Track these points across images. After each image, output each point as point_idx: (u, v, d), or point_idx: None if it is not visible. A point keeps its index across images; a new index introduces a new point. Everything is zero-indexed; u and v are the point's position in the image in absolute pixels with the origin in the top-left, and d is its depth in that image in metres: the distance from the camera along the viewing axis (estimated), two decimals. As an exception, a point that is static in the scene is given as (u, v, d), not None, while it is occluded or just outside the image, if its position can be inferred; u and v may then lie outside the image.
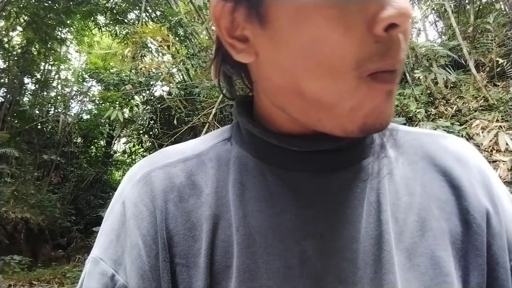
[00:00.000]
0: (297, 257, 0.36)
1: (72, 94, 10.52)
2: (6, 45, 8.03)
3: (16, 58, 8.27)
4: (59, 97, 10.56)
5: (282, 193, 0.39)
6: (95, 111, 10.59)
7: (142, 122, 7.67)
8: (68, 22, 8.30)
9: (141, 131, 7.62)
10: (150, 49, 6.12)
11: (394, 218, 0.39)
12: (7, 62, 8.32)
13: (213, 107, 4.19)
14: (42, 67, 9.53)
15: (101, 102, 10.06)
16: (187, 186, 0.40)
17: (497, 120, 3.61)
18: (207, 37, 6.35)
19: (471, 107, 3.98)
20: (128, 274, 0.38)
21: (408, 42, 0.33)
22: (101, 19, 8.11)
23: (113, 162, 10.48)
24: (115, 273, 0.38)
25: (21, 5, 7.44)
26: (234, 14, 0.36)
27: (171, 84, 5.80)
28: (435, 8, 5.65)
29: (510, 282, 0.38)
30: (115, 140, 10.96)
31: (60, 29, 8.55)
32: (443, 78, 4.05)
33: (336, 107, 0.33)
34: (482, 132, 3.53)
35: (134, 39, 4.71)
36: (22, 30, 8.20)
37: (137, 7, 7.43)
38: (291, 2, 0.32)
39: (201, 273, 0.37)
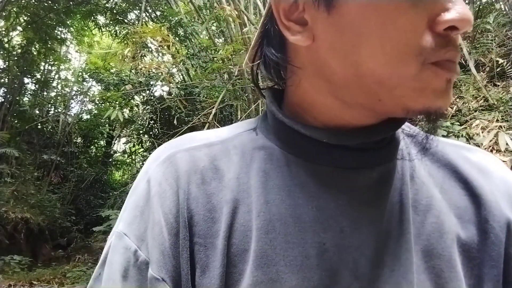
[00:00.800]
0: (316, 248, 0.37)
1: (72, 94, 10.52)
2: (6, 45, 8.03)
3: (16, 58, 8.26)
4: (59, 97, 10.55)
5: (305, 185, 0.39)
6: (95, 111, 10.58)
7: (142, 122, 7.67)
8: (68, 22, 8.30)
9: (141, 131, 7.62)
10: (150, 49, 6.12)
11: (412, 219, 0.39)
12: (7, 62, 8.31)
13: (213, 107, 4.19)
14: (42, 67, 9.52)
15: (101, 102, 10.05)
16: (209, 169, 0.41)
17: (497, 120, 3.61)
18: (207, 37, 6.35)
19: (471, 107, 3.98)
20: (150, 250, 0.38)
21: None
22: (101, 19, 8.11)
23: (113, 162, 10.48)
24: (137, 249, 0.39)
25: (21, 5, 7.43)
26: None
27: (171, 84, 5.80)
28: (435, 8, 5.64)
29: None
30: (115, 140, 10.96)
31: (60, 29, 8.55)
32: (443, 78, 4.04)
33: (397, 89, 0.34)
34: (482, 132, 3.53)
35: (134, 39, 4.71)
36: (22, 30, 8.20)
37: (137, 7, 7.43)
38: None
39: (218, 254, 0.37)
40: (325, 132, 0.40)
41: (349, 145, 0.40)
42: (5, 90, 8.51)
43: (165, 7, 7.15)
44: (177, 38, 5.73)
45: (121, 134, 10.04)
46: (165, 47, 4.83)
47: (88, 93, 10.54)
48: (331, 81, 0.38)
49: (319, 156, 0.40)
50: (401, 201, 0.39)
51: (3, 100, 8.32)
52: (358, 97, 0.37)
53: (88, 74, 10.24)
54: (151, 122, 7.16)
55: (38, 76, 9.43)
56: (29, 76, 8.98)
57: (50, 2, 7.52)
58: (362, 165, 0.40)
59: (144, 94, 7.37)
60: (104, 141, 11.02)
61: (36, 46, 8.46)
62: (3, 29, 7.94)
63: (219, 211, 0.39)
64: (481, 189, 0.41)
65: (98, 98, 9.97)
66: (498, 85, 4.24)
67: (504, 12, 4.77)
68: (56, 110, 10.28)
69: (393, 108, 0.36)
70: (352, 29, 0.34)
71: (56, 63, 9.92)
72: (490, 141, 3.38)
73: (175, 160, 0.42)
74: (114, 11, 7.49)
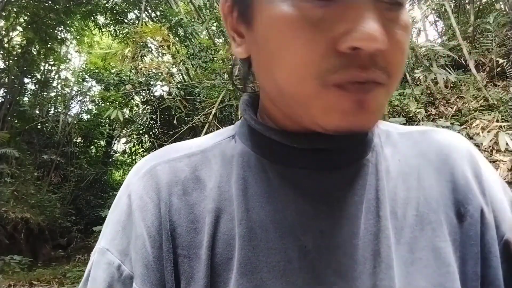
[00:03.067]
0: (297, 251, 0.37)
1: (72, 94, 10.52)
2: (6, 45, 8.03)
3: (16, 58, 8.26)
4: (59, 97, 10.55)
5: (283, 190, 0.40)
6: (95, 111, 10.58)
7: (142, 122, 7.67)
8: (68, 22, 8.29)
9: (141, 131, 7.62)
10: (150, 49, 6.12)
11: (393, 214, 0.40)
12: (7, 62, 8.31)
13: (213, 107, 4.19)
14: (42, 67, 9.52)
15: (101, 102, 10.05)
16: (191, 180, 0.42)
17: (497, 120, 3.61)
18: (207, 37, 6.35)
19: (471, 107, 3.98)
20: (134, 264, 0.39)
21: (401, 50, 0.34)
22: (101, 19, 8.11)
23: (113, 162, 10.48)
24: (121, 264, 0.39)
25: (21, 5, 7.43)
26: (232, 11, 0.40)
27: (171, 84, 5.80)
28: (435, 8, 5.65)
29: (501, 269, 0.39)
30: (115, 140, 10.96)
31: (60, 29, 8.55)
32: (443, 78, 4.04)
33: (309, 107, 0.35)
34: (482, 132, 3.53)
35: (134, 39, 4.71)
36: (22, 30, 8.20)
37: (137, 7, 7.43)
38: (266, 11, 0.34)
39: (202, 264, 0.37)
40: (295, 137, 0.40)
41: (321, 147, 0.40)
42: (5, 90, 8.51)
43: (165, 7, 7.15)
44: (177, 38, 5.73)
45: (121, 134, 10.04)
46: (165, 47, 4.83)
47: (88, 93, 10.54)
48: (268, 93, 0.41)
49: (293, 160, 0.41)
50: (378, 197, 0.40)
51: (3, 100, 8.32)
52: (288, 112, 0.39)
53: (88, 74, 10.23)
54: (151, 122, 7.16)
55: (38, 76, 9.42)
56: (29, 76, 8.97)
57: (50, 2, 7.52)
58: (335, 165, 0.40)
59: (144, 94, 7.37)
60: (104, 141, 11.02)
61: (36, 46, 8.46)
62: (3, 29, 7.94)
63: (202, 221, 0.39)
64: (453, 174, 0.42)
65: (98, 98, 9.97)
66: (498, 85, 4.23)
67: (504, 12, 4.77)
68: (56, 110, 10.28)
69: (312, 126, 0.36)
70: (266, 46, 0.35)
71: (56, 63, 9.92)
72: (490, 141, 3.37)
73: (156, 172, 0.42)
74: (114, 11, 7.49)
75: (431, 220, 0.40)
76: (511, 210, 0.43)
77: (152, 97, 6.98)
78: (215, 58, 5.05)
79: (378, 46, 0.31)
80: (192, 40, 6.14)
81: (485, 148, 3.39)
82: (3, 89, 8.56)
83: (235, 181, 0.41)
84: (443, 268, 0.38)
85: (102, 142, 11.10)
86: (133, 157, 8.75)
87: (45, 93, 10.08)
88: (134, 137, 7.86)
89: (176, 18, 5.85)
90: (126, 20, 7.82)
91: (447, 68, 4.25)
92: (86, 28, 8.97)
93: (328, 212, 0.38)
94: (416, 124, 3.79)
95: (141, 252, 0.38)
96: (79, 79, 10.59)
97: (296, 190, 0.39)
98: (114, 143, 11.08)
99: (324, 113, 0.34)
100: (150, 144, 7.06)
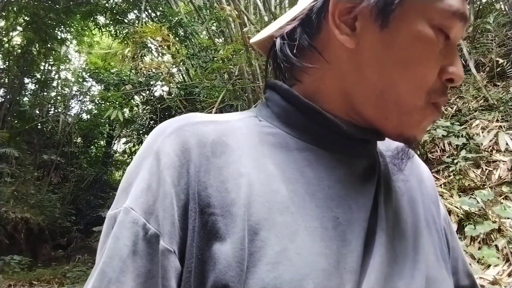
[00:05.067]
0: (332, 221, 0.41)
1: (72, 94, 10.52)
2: (6, 45, 8.03)
3: (16, 58, 8.26)
4: (59, 97, 10.56)
5: (315, 167, 0.44)
6: (95, 111, 10.59)
7: (142, 122, 7.68)
8: (68, 22, 8.30)
9: (141, 131, 7.63)
10: (150, 49, 6.12)
11: (397, 198, 0.49)
12: (7, 62, 8.32)
13: (213, 107, 4.19)
14: (42, 67, 9.52)
15: (101, 102, 10.06)
16: (218, 144, 0.42)
17: (497, 120, 3.61)
18: (207, 37, 6.35)
19: (471, 107, 3.98)
20: (161, 222, 0.38)
21: None
22: (101, 19, 8.11)
23: (113, 162, 10.48)
24: (146, 222, 0.38)
25: (21, 5, 7.43)
26: (355, 5, 0.42)
27: (171, 84, 5.80)
28: (435, 8, 5.63)
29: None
30: (115, 140, 10.97)
31: (60, 29, 8.55)
32: (443, 78, 4.04)
33: (406, 115, 0.43)
34: (482, 132, 3.53)
35: (134, 39, 4.71)
36: (22, 30, 8.20)
37: (137, 7, 7.43)
38: (413, 24, 0.41)
39: (238, 220, 0.38)
40: (342, 121, 0.45)
41: (356, 137, 0.46)
42: (5, 90, 8.51)
43: (165, 7, 7.15)
44: (177, 38, 5.73)
45: (121, 134, 10.05)
46: (165, 47, 4.83)
47: (88, 93, 10.55)
48: (353, 87, 0.44)
49: (330, 143, 0.46)
50: (385, 183, 0.48)
51: (3, 100, 8.33)
52: (370, 109, 0.44)
53: (88, 74, 10.24)
54: (151, 122, 7.16)
55: (38, 76, 9.43)
56: (29, 76, 8.98)
57: (50, 2, 7.52)
58: (360, 155, 0.47)
59: (144, 94, 7.38)
60: (104, 141, 11.03)
61: (36, 46, 8.46)
62: (3, 29, 7.94)
63: (233, 181, 0.40)
64: (422, 176, 0.56)
65: (98, 98, 9.98)
66: (498, 85, 4.23)
67: (504, 12, 4.77)
68: (56, 110, 10.29)
69: (391, 129, 0.44)
70: (398, 50, 0.41)
71: (56, 63, 9.92)
72: (490, 141, 3.38)
73: (183, 132, 0.42)
74: (114, 11, 7.49)
75: (419, 204, 0.51)
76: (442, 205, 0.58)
77: (152, 97, 6.99)
78: (215, 58, 5.05)
79: (460, 82, 0.43)
80: (192, 40, 6.14)
81: (485, 148, 3.39)
82: (3, 89, 8.57)
83: (267, 155, 0.43)
84: (437, 242, 0.50)
85: (102, 142, 11.11)
86: (133, 157, 8.75)
87: (45, 93, 10.09)
88: (134, 137, 7.86)
89: (176, 18, 5.86)
90: (126, 20, 7.82)
91: (447, 68, 4.24)
92: (86, 28, 8.97)
93: (353, 192, 0.44)
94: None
95: (169, 210, 0.39)
96: (79, 79, 10.60)
97: (328, 170, 0.44)
98: (114, 143, 11.10)
99: (415, 124, 0.43)
100: (150, 144, 7.04)
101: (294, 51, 0.46)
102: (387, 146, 0.52)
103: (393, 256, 0.42)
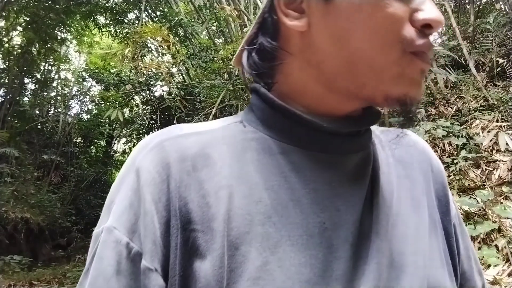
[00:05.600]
0: (317, 227, 0.39)
1: (72, 94, 10.53)
2: (6, 45, 8.03)
3: (16, 58, 8.26)
4: (59, 97, 10.56)
5: (300, 170, 0.42)
6: (95, 111, 10.59)
7: (142, 122, 7.68)
8: (68, 22, 8.30)
9: (141, 131, 7.63)
10: (150, 49, 6.12)
11: (390, 195, 0.45)
12: (7, 62, 8.32)
13: (213, 107, 4.19)
14: (42, 67, 9.53)
15: (101, 102, 10.06)
16: (200, 157, 0.42)
17: (497, 120, 3.61)
18: (207, 37, 6.35)
19: (471, 107, 3.98)
20: (143, 240, 0.38)
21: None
22: (101, 19, 8.11)
23: (113, 162, 10.48)
24: (129, 241, 0.38)
25: (21, 5, 7.43)
26: None
27: (171, 84, 5.81)
28: (435, 8, 5.63)
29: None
30: (115, 140, 10.97)
31: (60, 29, 8.55)
32: (443, 78, 4.05)
33: (382, 73, 0.39)
34: (482, 132, 3.53)
35: (134, 39, 4.71)
36: (22, 30, 8.20)
37: (137, 7, 7.43)
38: None
39: (218, 236, 0.37)
40: (323, 119, 0.43)
41: (341, 132, 0.44)
42: (5, 90, 8.51)
43: (165, 7, 7.15)
44: (177, 38, 5.73)
45: (121, 134, 10.05)
46: (165, 47, 4.83)
47: (88, 93, 10.55)
48: (320, 67, 0.42)
49: (313, 142, 0.43)
50: (378, 179, 0.45)
51: (3, 100, 8.33)
52: (345, 82, 0.41)
53: (88, 74, 10.24)
54: (151, 122, 7.17)
55: (38, 76, 9.43)
56: (29, 76, 8.98)
57: (50, 2, 7.52)
58: (349, 151, 0.45)
59: (144, 94, 7.38)
60: (104, 141, 11.03)
61: (36, 46, 8.46)
62: (3, 29, 7.94)
63: (214, 195, 0.39)
64: (428, 167, 0.52)
65: (98, 98, 9.98)
66: (498, 85, 4.23)
67: (504, 12, 4.77)
68: (56, 110, 10.29)
69: (375, 93, 0.40)
70: (346, 16, 0.39)
71: (56, 63, 9.93)
72: (490, 141, 3.37)
73: (163, 147, 0.42)
74: (114, 11, 7.49)
75: (424, 205, 0.47)
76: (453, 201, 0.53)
77: (152, 97, 6.99)
78: (215, 58, 5.04)
79: (441, 27, 0.39)
80: (192, 40, 6.14)
81: (485, 148, 3.39)
82: (3, 89, 8.57)
83: (249, 162, 0.42)
84: (436, 241, 0.46)
85: (102, 142, 11.11)
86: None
87: (45, 93, 10.09)
88: (134, 137, 7.87)
89: (176, 18, 5.86)
90: (126, 20, 7.82)
91: (447, 68, 4.25)
92: (86, 28, 8.97)
93: (343, 192, 0.42)
94: (416, 125, 3.79)
95: (149, 228, 0.38)
96: (79, 79, 10.60)
97: (313, 171, 0.42)
98: (114, 143, 11.09)
99: (396, 80, 0.39)
100: (150, 144, 7.04)
101: (262, 55, 0.45)
102: (390, 137, 0.51)
103: (390, 261, 0.40)
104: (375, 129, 0.52)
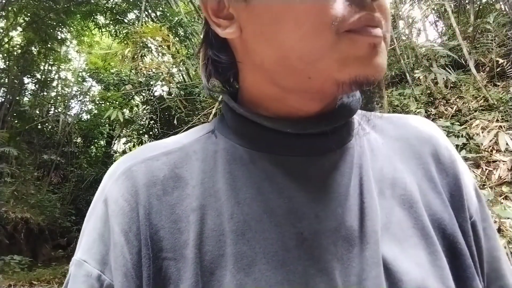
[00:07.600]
0: (294, 239, 0.36)
1: (72, 94, 10.53)
2: (6, 45, 8.03)
3: (16, 58, 8.26)
4: (59, 97, 10.56)
5: (273, 178, 0.39)
6: (95, 111, 10.59)
7: (142, 122, 7.68)
8: (68, 22, 8.30)
9: (141, 131, 7.63)
10: (150, 49, 6.12)
11: (382, 194, 0.41)
12: (7, 62, 8.32)
13: (213, 107, 4.19)
14: (42, 67, 9.53)
15: (101, 102, 10.06)
16: (170, 179, 0.40)
17: (497, 120, 3.61)
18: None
19: (471, 107, 3.98)
20: (113, 273, 0.37)
21: (388, 20, 0.36)
22: (101, 19, 8.11)
23: (113, 162, 10.42)
24: (101, 273, 0.37)
25: (21, 5, 7.43)
26: None
27: (171, 84, 5.80)
28: (435, 8, 5.65)
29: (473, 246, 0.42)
30: (115, 140, 10.97)
31: (60, 29, 8.55)
32: (443, 78, 4.05)
33: (320, 62, 0.34)
34: (482, 132, 3.53)
35: (134, 39, 4.71)
36: (22, 30, 8.20)
37: (137, 7, 7.43)
38: None
39: (189, 263, 0.36)
40: (286, 122, 0.40)
41: (311, 133, 0.40)
42: (5, 90, 8.51)
43: (165, 7, 7.15)
44: (177, 38, 5.73)
45: (121, 134, 10.05)
46: (165, 47, 4.83)
47: (88, 93, 10.55)
48: (264, 68, 0.39)
49: (283, 147, 0.40)
50: (363, 177, 0.41)
51: (3, 100, 8.33)
52: (290, 80, 0.38)
53: (88, 74, 10.25)
54: (151, 122, 7.17)
55: (38, 76, 9.43)
56: (29, 76, 8.98)
57: (50, 2, 7.52)
58: (324, 150, 0.41)
59: (144, 94, 7.38)
60: (104, 141, 11.03)
61: (36, 46, 8.46)
62: (3, 29, 7.94)
63: (185, 220, 0.38)
64: (439, 157, 0.45)
65: (98, 98, 9.98)
66: (498, 85, 4.24)
67: (504, 12, 4.77)
68: (56, 110, 10.29)
69: (323, 83, 0.36)
70: (268, 12, 0.35)
71: (56, 63, 9.93)
72: (490, 141, 3.38)
73: (131, 173, 0.40)
74: (114, 11, 7.49)
75: (417, 200, 0.41)
76: (474, 194, 0.46)
77: (152, 97, 6.99)
78: (215, 58, 5.03)
79: None
80: (192, 40, 6.14)
81: (485, 148, 3.39)
82: (3, 89, 8.57)
83: (221, 176, 0.40)
84: (431, 247, 0.39)
85: (102, 142, 11.11)
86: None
87: (45, 93, 10.10)
88: (134, 137, 7.86)
89: (176, 18, 5.86)
90: (126, 20, 7.82)
91: (447, 68, 4.25)
92: (86, 28, 8.97)
93: (321, 197, 0.39)
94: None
95: (119, 260, 0.37)
96: (79, 79, 10.60)
97: (287, 178, 0.39)
98: (114, 143, 11.09)
99: (341, 64, 0.34)
100: (150, 144, 7.04)
101: (215, 68, 0.45)
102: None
103: (379, 271, 0.36)
104: (379, 117, 0.48)
